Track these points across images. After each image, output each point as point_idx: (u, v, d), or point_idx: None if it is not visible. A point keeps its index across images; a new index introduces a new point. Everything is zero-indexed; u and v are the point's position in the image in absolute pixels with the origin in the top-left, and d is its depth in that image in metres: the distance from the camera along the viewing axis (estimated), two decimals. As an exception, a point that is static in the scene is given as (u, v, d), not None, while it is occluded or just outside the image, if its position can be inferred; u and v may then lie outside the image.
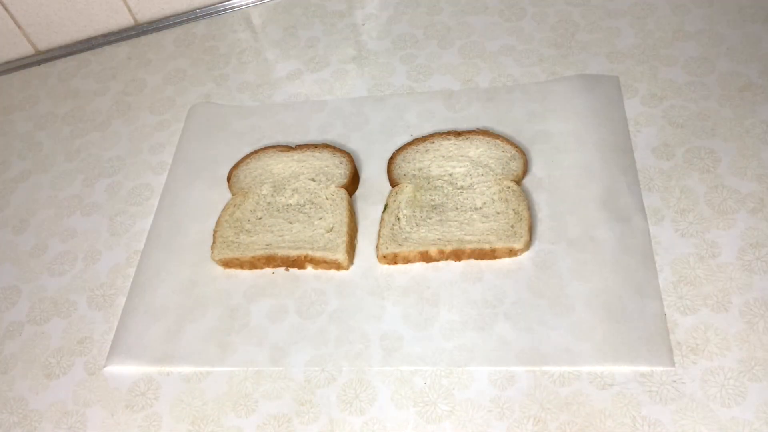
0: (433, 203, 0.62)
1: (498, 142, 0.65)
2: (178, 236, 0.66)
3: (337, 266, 0.60)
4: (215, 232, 0.64)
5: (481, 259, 0.58)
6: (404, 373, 0.54)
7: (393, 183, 0.65)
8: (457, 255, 0.59)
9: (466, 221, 0.60)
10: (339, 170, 0.66)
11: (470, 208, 0.61)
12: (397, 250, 0.59)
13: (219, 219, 0.65)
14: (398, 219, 0.62)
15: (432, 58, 0.76)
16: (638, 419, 0.49)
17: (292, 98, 0.76)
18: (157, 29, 0.88)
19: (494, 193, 0.61)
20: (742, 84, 0.65)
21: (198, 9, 0.88)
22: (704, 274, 0.55)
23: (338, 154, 0.67)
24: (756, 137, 0.62)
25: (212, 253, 0.62)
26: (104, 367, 0.59)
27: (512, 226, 0.59)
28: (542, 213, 0.61)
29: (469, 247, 0.58)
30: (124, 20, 0.88)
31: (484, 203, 0.61)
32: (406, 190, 0.63)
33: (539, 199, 0.62)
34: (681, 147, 0.62)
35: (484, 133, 0.66)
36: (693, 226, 0.57)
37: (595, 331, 0.53)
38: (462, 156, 0.65)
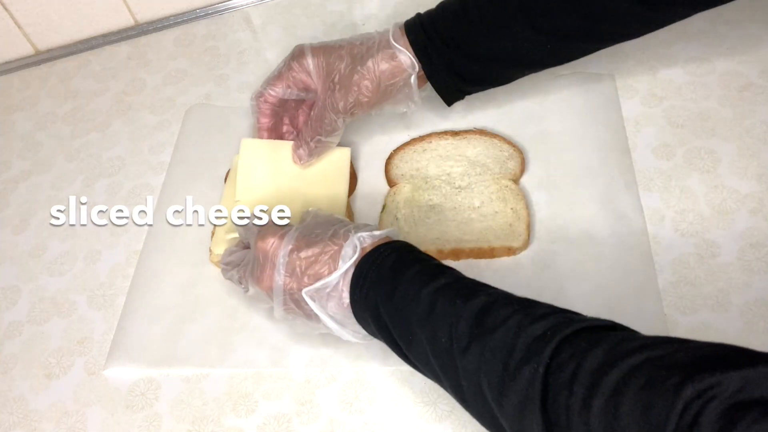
0: (431, 203, 0.62)
1: (495, 141, 0.65)
2: (177, 237, 0.65)
3: (336, 266, 0.60)
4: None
5: (480, 258, 0.58)
6: (404, 373, 0.54)
7: (391, 183, 0.65)
8: (456, 254, 0.59)
9: (464, 221, 0.60)
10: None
11: (468, 207, 0.61)
12: (396, 250, 0.59)
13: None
14: (396, 219, 0.62)
15: (432, 58, 0.75)
16: (637, 419, 0.49)
17: (291, 98, 0.76)
18: (157, 29, 0.88)
19: (492, 192, 0.61)
20: (742, 84, 0.65)
21: (198, 9, 0.88)
22: (704, 274, 0.55)
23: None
24: (756, 137, 0.61)
25: (210, 254, 0.62)
26: (104, 370, 0.59)
27: (510, 225, 0.59)
28: (541, 212, 0.60)
29: (467, 246, 0.58)
30: (124, 20, 0.88)
31: (482, 202, 0.61)
32: (404, 190, 0.63)
33: (538, 198, 0.61)
34: (681, 147, 0.62)
35: (481, 132, 0.66)
36: (693, 226, 0.57)
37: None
38: (459, 155, 0.64)
